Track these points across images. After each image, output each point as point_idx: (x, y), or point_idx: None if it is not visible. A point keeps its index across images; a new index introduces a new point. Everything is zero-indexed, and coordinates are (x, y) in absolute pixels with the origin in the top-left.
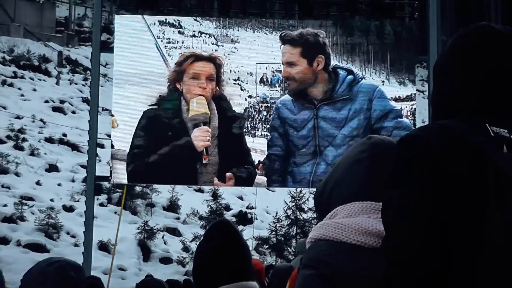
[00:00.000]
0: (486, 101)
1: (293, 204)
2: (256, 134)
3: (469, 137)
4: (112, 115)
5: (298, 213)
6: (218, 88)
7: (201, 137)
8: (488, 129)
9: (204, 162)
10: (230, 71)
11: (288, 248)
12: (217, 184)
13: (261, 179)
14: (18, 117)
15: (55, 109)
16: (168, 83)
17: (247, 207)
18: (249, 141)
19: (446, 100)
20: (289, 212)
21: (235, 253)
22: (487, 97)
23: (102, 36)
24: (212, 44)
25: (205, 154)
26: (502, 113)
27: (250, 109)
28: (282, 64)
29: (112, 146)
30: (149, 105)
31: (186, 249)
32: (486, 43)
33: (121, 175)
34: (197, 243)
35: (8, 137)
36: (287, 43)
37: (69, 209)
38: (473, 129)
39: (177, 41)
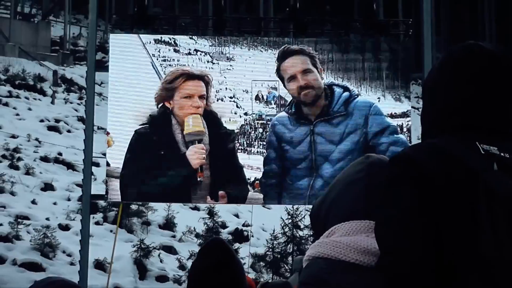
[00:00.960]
0: (475, 120)
1: (290, 221)
2: (252, 151)
3: (459, 155)
4: (108, 133)
5: (294, 231)
6: (207, 105)
7: (196, 155)
8: (478, 147)
9: (198, 179)
10: (226, 88)
11: (285, 265)
12: (210, 202)
13: (257, 195)
14: (13, 136)
15: (50, 128)
16: (157, 102)
17: (243, 225)
18: (245, 158)
19: (435, 118)
20: (286, 229)
21: (230, 271)
22: (476, 116)
23: (97, 55)
24: (208, 62)
25: (199, 171)
26: (490, 132)
27: (246, 126)
28: (291, 77)
29: (108, 164)
30: (140, 124)
31: (182, 267)
32: (474, 62)
33: (117, 193)
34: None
35: (4, 156)
36: (296, 54)
37: (65, 228)
38: (463, 147)
39: (173, 59)
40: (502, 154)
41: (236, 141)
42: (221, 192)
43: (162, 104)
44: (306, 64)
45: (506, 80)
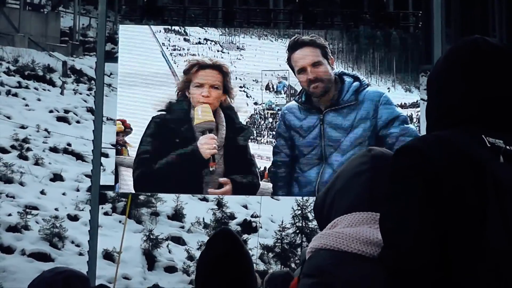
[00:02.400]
0: (481, 113)
1: (299, 212)
2: (262, 141)
3: (466, 147)
4: (119, 120)
5: (303, 222)
6: (227, 97)
7: (207, 145)
8: (484, 140)
9: (211, 169)
10: (236, 78)
11: (294, 257)
12: (216, 192)
13: (267, 185)
14: (22, 127)
15: (60, 119)
16: (177, 92)
17: (252, 216)
18: (255, 147)
19: (441, 112)
20: (295, 220)
21: (238, 262)
22: (482, 109)
23: (107, 46)
24: (218, 51)
25: (212, 161)
26: (496, 125)
27: (256, 116)
28: (301, 69)
29: (117, 152)
30: (158, 110)
31: (190, 257)
32: (479, 56)
33: (127, 183)
34: None
35: (13, 146)
36: (307, 45)
37: (73, 218)
38: (470, 140)
39: (183, 48)
40: (507, 147)
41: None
42: (223, 179)
43: (183, 94)
44: (316, 56)
45: (510, 74)
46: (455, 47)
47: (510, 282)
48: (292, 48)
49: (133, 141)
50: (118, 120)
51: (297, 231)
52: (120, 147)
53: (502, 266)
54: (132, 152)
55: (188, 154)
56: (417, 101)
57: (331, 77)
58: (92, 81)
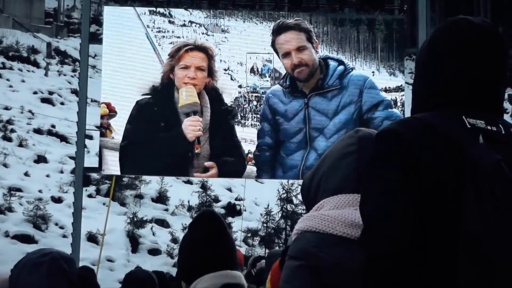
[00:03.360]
0: (462, 95)
1: (285, 195)
2: (246, 124)
3: (445, 129)
4: (104, 103)
5: (288, 206)
6: (211, 80)
7: (192, 127)
8: (465, 121)
9: (196, 151)
10: (221, 61)
11: (278, 240)
12: (201, 175)
13: (251, 169)
14: (6, 108)
15: (44, 100)
16: (162, 74)
17: (236, 199)
18: (239, 130)
19: (424, 93)
20: (280, 204)
21: (221, 243)
22: (463, 91)
23: (91, 28)
24: (202, 33)
25: (196, 143)
26: (477, 106)
27: (240, 99)
28: (286, 54)
29: (102, 135)
30: (142, 94)
31: (174, 240)
32: (462, 37)
33: (111, 166)
34: None
35: None
36: (292, 29)
37: (57, 200)
38: (450, 122)
39: (167, 31)
40: (488, 127)
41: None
42: (208, 163)
43: (167, 76)
44: (300, 41)
45: (494, 55)
46: (439, 28)
47: (486, 265)
48: (276, 32)
49: (117, 123)
50: (102, 103)
51: (283, 215)
52: (104, 129)
53: (478, 249)
54: (116, 135)
55: (172, 137)
56: (401, 85)
57: (315, 62)
58: (77, 63)
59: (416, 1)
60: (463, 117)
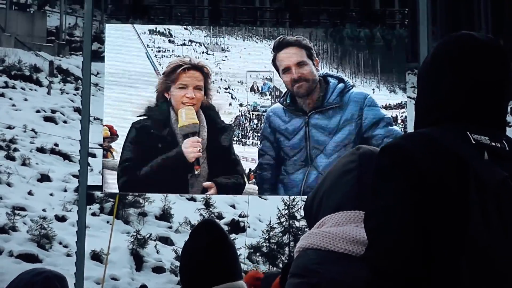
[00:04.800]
0: (466, 110)
1: (286, 212)
2: (247, 142)
3: (450, 145)
4: (106, 126)
5: (291, 221)
6: (206, 98)
7: (191, 148)
8: (469, 137)
9: (196, 173)
10: (221, 79)
11: (281, 256)
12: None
13: (252, 187)
14: (9, 127)
15: (47, 119)
16: (157, 94)
17: (240, 216)
18: (240, 149)
19: (427, 109)
20: (282, 220)
21: (223, 253)
22: (467, 106)
23: (93, 46)
24: (203, 52)
25: (196, 165)
26: (483, 121)
27: (241, 118)
28: (286, 69)
29: (104, 156)
30: (138, 116)
31: (178, 258)
32: (465, 52)
33: (113, 184)
34: None
35: (0, 147)
36: (292, 45)
37: (61, 219)
38: (454, 137)
39: (167, 50)
40: (493, 143)
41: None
42: (206, 183)
43: (162, 96)
44: (301, 56)
45: (497, 70)
46: (442, 43)
47: (490, 280)
48: (277, 48)
49: (120, 144)
50: (105, 125)
51: (285, 231)
52: (105, 151)
53: (483, 264)
54: (117, 156)
55: (172, 158)
56: (401, 102)
57: (315, 78)
58: (79, 81)
59: (418, 16)
60: (468, 132)
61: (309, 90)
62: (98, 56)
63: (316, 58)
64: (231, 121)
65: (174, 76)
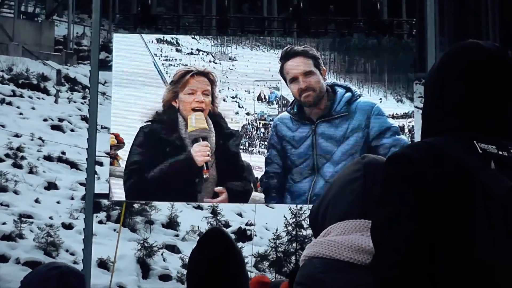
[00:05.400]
0: (473, 119)
1: (293, 220)
2: (254, 151)
3: (456, 154)
4: (113, 134)
5: (297, 230)
6: (212, 105)
7: (201, 152)
8: (476, 146)
9: (204, 176)
10: (228, 88)
11: (288, 264)
12: (211, 201)
13: (259, 196)
14: (16, 136)
15: (54, 127)
16: (163, 103)
17: (247, 224)
18: (247, 157)
19: (434, 118)
20: (289, 228)
21: (230, 262)
22: (474, 115)
23: (101, 55)
24: (210, 61)
25: (205, 168)
26: (490, 131)
27: (248, 126)
28: (293, 79)
29: (111, 164)
30: (145, 121)
31: (185, 266)
32: (472, 61)
33: (119, 193)
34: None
35: (7, 155)
36: (299, 55)
37: (68, 226)
38: (461, 147)
39: (175, 59)
40: (500, 152)
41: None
42: (218, 188)
43: (169, 103)
44: (308, 66)
45: (504, 79)
46: (449, 52)
47: None
48: (284, 58)
49: (125, 151)
50: (112, 133)
51: (291, 239)
52: (111, 159)
53: (490, 275)
54: (123, 163)
55: (180, 162)
56: (409, 111)
57: (322, 87)
58: (86, 90)
59: (425, 26)
60: (475, 142)
61: (317, 100)
62: (106, 65)
63: (324, 68)
64: (238, 129)
65: (182, 82)
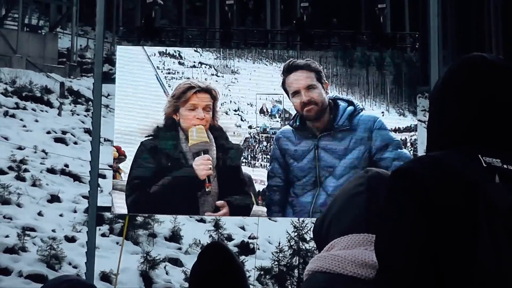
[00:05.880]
0: (478, 132)
1: (296, 234)
2: (256, 164)
3: (460, 168)
4: (115, 147)
5: (300, 243)
6: (212, 119)
7: (203, 166)
8: (480, 160)
9: (207, 190)
10: (230, 101)
11: (291, 278)
12: (212, 214)
13: (261, 209)
14: (20, 148)
15: (57, 140)
16: (165, 115)
17: (249, 237)
18: (249, 171)
19: (439, 132)
20: (292, 242)
21: (230, 276)
22: (479, 128)
23: (104, 67)
24: (212, 75)
25: (207, 182)
26: (494, 144)
27: (250, 139)
28: (295, 92)
29: (114, 177)
30: (146, 136)
31: (188, 279)
32: (477, 74)
33: (122, 206)
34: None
35: (10, 168)
36: (302, 68)
37: (71, 239)
38: (465, 160)
39: (177, 72)
40: (505, 166)
41: (241, 156)
42: (219, 202)
43: (169, 117)
44: (310, 80)
45: (509, 92)
46: (454, 65)
47: None
48: (286, 72)
49: (127, 164)
50: (113, 146)
51: (294, 253)
52: (114, 172)
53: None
54: (125, 176)
55: (182, 176)
56: (411, 125)
57: (324, 101)
58: (90, 102)
59: (429, 39)
60: (479, 155)
61: (319, 113)
62: (109, 78)
63: (326, 81)
64: (240, 142)
65: (184, 98)
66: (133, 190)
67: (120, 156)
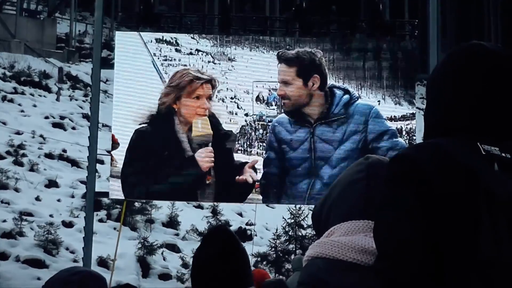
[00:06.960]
0: (477, 120)
1: (292, 220)
2: (252, 152)
3: (460, 155)
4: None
5: (297, 230)
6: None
7: (207, 158)
8: (479, 148)
9: (207, 182)
10: (227, 89)
11: (287, 264)
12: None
13: (257, 197)
14: (18, 133)
15: (55, 125)
16: (162, 104)
17: (247, 224)
18: (245, 158)
19: (437, 119)
20: (288, 228)
21: (234, 260)
22: (478, 116)
23: (103, 53)
24: (209, 62)
25: (208, 175)
26: (493, 132)
27: (247, 127)
28: (278, 82)
29: (111, 163)
30: (140, 124)
31: (185, 265)
32: (476, 62)
33: (120, 191)
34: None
35: (8, 152)
36: (283, 62)
37: (68, 224)
38: (464, 148)
39: (174, 59)
40: (503, 154)
41: (236, 142)
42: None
43: (168, 105)
44: (287, 75)
45: (507, 80)
46: (451, 53)
47: None
48: (277, 61)
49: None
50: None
51: (290, 239)
52: (111, 158)
53: (493, 276)
54: (119, 164)
55: (181, 166)
56: (407, 114)
57: (302, 97)
58: (88, 88)
59: (427, 27)
60: (478, 143)
61: (294, 107)
62: (108, 63)
63: (315, 75)
64: (236, 130)
65: (189, 88)
66: (129, 175)
67: (114, 144)
